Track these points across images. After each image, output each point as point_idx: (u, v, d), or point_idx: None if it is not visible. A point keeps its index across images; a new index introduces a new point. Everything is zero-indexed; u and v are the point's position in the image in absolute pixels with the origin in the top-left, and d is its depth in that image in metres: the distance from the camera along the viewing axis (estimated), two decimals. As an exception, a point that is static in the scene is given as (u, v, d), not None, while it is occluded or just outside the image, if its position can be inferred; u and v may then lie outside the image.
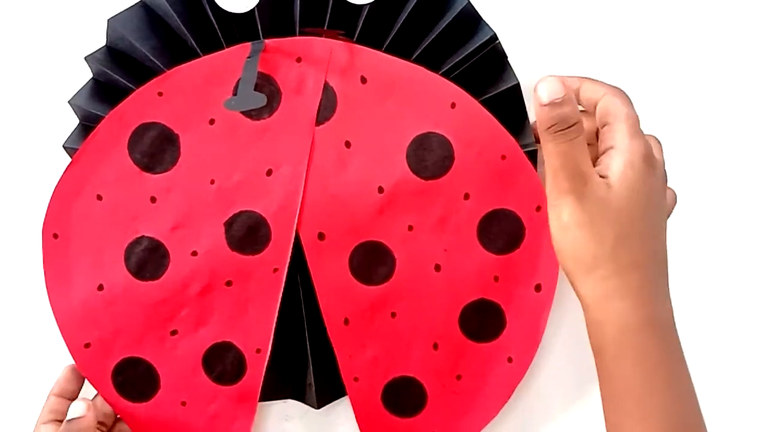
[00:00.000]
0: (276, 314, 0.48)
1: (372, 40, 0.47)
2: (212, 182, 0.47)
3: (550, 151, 0.42)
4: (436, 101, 0.46)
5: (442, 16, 0.46)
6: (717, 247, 0.54)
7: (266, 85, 0.47)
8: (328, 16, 0.46)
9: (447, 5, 0.46)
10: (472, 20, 0.46)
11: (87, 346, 0.48)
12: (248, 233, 0.48)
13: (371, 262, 0.48)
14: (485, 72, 0.47)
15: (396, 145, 0.47)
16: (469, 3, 0.46)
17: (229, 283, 0.48)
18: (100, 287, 0.48)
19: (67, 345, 0.49)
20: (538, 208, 0.47)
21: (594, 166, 0.43)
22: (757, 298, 0.55)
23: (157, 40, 0.47)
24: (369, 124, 0.47)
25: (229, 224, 0.48)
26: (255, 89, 0.46)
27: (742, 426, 0.55)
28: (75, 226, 0.48)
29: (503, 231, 0.47)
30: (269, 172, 0.47)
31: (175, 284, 0.48)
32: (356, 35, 0.46)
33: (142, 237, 0.48)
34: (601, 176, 0.43)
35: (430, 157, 0.47)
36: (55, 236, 0.48)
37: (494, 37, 0.46)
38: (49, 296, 0.50)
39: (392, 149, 0.47)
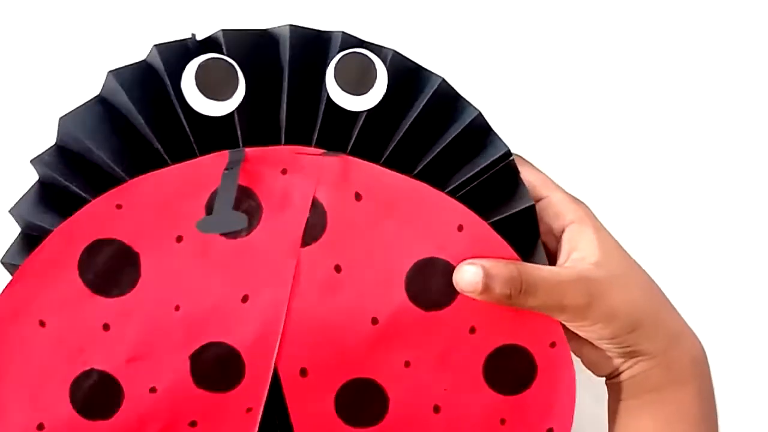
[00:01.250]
0: None
1: (368, 151, 0.43)
2: (177, 308, 0.40)
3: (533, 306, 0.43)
4: (441, 223, 0.41)
5: (449, 127, 0.41)
6: (717, 247, 0.54)
7: (245, 199, 0.40)
8: (319, 122, 0.39)
9: (454, 115, 0.41)
10: (483, 132, 0.41)
11: None
12: (218, 368, 0.41)
13: (361, 401, 0.42)
14: (496, 190, 0.40)
15: (394, 270, 0.41)
16: (480, 114, 0.40)
17: (193, 424, 0.41)
18: (40, 426, 0.42)
19: None
20: (553, 344, 0.41)
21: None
22: (757, 298, 0.54)
23: (117, 143, 0.41)
24: (363, 247, 0.41)
25: (195, 357, 0.41)
26: (234, 206, 0.39)
27: (742, 425, 0.54)
28: (11, 356, 0.42)
29: (512, 369, 0.42)
30: (245, 299, 0.40)
31: (129, 424, 0.42)
32: (350, 146, 0.39)
33: (92, 370, 0.41)
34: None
35: (432, 285, 0.41)
36: None
37: (508, 153, 0.40)
38: None
39: (389, 275, 0.41)
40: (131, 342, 0.43)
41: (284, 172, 0.42)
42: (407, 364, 0.43)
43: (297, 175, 0.42)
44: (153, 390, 0.43)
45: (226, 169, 0.41)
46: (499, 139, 0.42)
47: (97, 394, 0.43)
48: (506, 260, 0.41)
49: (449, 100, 0.42)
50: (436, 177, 0.42)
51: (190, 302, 0.43)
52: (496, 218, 0.42)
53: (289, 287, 0.42)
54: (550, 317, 0.43)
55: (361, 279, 0.42)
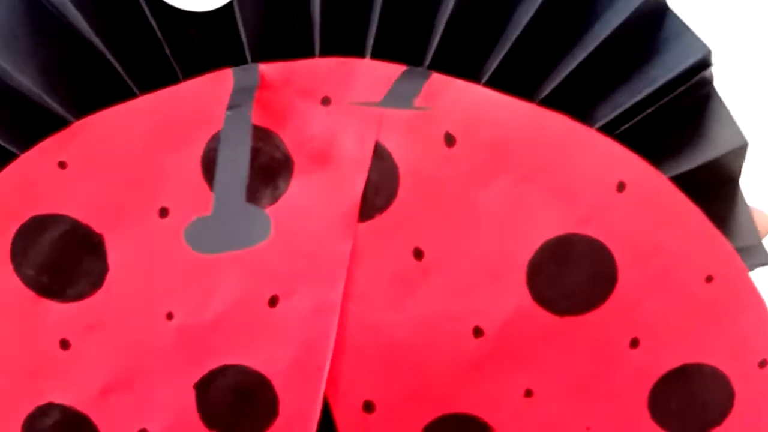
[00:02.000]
0: None
1: (461, 64, 0.27)
2: (170, 316, 0.25)
3: None
4: (588, 179, 0.24)
5: (598, 17, 0.21)
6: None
7: (264, 149, 0.22)
8: (375, 15, 0.21)
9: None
10: (659, 23, 0.21)
11: None
12: (237, 402, 0.27)
13: None
14: (685, 122, 0.22)
15: (509, 256, 0.24)
16: None
17: None
18: None
19: None
20: (764, 363, 0.23)
21: None
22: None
23: (49, 57, 0.26)
24: (458, 221, 0.24)
25: (202, 387, 0.26)
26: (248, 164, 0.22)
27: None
28: None
29: (695, 400, 0.27)
30: (273, 301, 0.24)
31: None
32: (430, 56, 0.21)
33: (51, 405, 0.28)
34: None
35: (571, 276, 0.25)
36: None
37: (707, 60, 0.21)
38: None
39: (501, 263, 0.24)
40: (105, 366, 0.28)
41: (326, 102, 0.24)
42: (529, 393, 0.27)
43: (347, 105, 0.24)
44: None
45: (231, 106, 0.23)
46: (691, 33, 0.23)
47: None
48: None
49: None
50: (578, 103, 0.23)
51: (188, 307, 0.27)
52: (680, 170, 0.24)
53: (343, 284, 0.25)
54: (762, 321, 0.25)
55: (456, 270, 0.26)
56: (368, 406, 0.29)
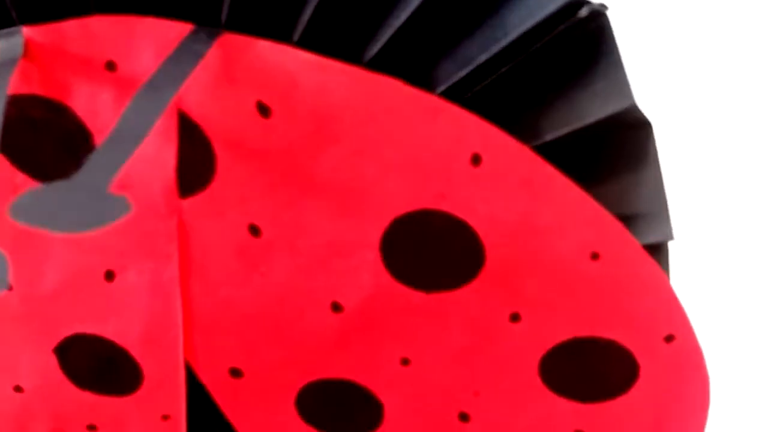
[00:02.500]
0: None
1: (267, 24, 0.22)
2: (11, 288, 0.22)
3: None
4: (438, 151, 0.20)
5: None
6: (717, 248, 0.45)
7: (55, 120, 0.19)
8: None
9: None
10: None
11: None
12: (100, 367, 0.25)
13: (340, 406, 0.25)
14: (553, 74, 0.17)
15: (357, 232, 0.21)
16: None
17: (92, 428, 0.25)
18: None
19: None
20: (670, 338, 0.21)
21: None
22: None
23: None
24: (290, 196, 0.20)
25: (61, 352, 0.25)
26: (36, 132, 0.18)
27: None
28: None
29: (593, 369, 0.26)
30: (109, 276, 0.21)
31: (8, 425, 0.26)
32: (225, 15, 0.17)
33: None
34: None
35: (432, 253, 0.21)
36: None
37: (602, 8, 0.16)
38: None
39: (350, 240, 0.22)
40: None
41: (111, 67, 0.20)
42: (406, 361, 0.24)
43: (137, 71, 0.19)
44: (18, 389, 0.27)
45: None
46: None
47: None
48: None
49: None
50: (419, 62, 0.18)
51: (25, 280, 0.24)
52: (550, 137, 0.19)
53: (176, 260, 0.22)
54: (665, 298, 0.21)
55: (298, 246, 0.22)
56: (235, 372, 0.27)
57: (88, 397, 0.29)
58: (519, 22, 0.20)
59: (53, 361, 0.29)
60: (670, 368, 0.25)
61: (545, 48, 0.20)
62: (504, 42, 0.20)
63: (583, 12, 0.20)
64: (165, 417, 0.29)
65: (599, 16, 0.20)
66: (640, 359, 0.25)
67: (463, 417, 0.28)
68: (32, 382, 0.29)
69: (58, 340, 0.28)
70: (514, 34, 0.20)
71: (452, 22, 0.20)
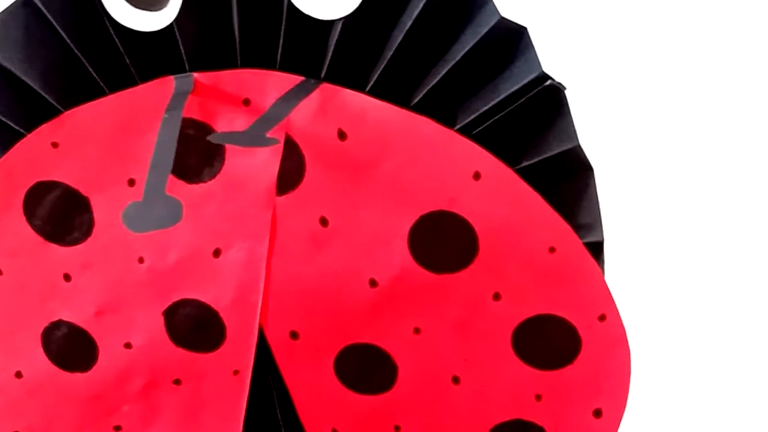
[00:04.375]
0: (241, 421, 0.36)
1: (350, 75, 0.34)
2: (141, 260, 0.34)
3: None
4: (451, 169, 0.32)
5: (458, 38, 0.28)
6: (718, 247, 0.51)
7: (202, 137, 0.30)
8: (282, 34, 0.28)
9: (466, 22, 0.28)
10: (508, 44, 0.28)
11: None
12: (196, 328, 0.36)
13: (364, 367, 0.37)
14: (528, 124, 0.29)
15: (393, 227, 0.32)
16: (503, 19, 0.27)
17: (177, 382, 0.36)
18: (18, 374, 0.39)
19: None
20: (602, 318, 0.31)
21: None
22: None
23: (47, 62, 0.35)
24: (353, 197, 0.32)
25: (169, 314, 0.35)
26: (187, 144, 0.30)
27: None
28: None
29: (550, 342, 0.34)
30: (217, 253, 0.33)
31: (110, 378, 0.40)
32: (325, 67, 0.29)
33: (61, 321, 0.37)
34: None
35: (442, 244, 0.33)
36: None
37: (542, 76, 0.28)
38: None
39: (388, 231, 0.33)
40: (97, 294, 0.38)
41: (246, 103, 0.32)
42: (417, 330, 0.35)
43: (263, 107, 0.32)
44: (128, 345, 0.37)
45: (168, 108, 0.31)
46: (533, 53, 0.29)
47: (70, 345, 0.40)
48: None
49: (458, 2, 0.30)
50: (444, 109, 0.31)
51: (155, 254, 0.36)
52: (527, 163, 0.31)
53: (267, 242, 0.34)
54: (599, 285, 0.32)
55: (353, 235, 0.34)
56: (294, 335, 0.38)
57: (180, 353, 0.40)
58: (509, 87, 0.33)
59: (161, 321, 0.40)
60: (602, 343, 0.37)
61: (520, 107, 0.33)
62: (496, 100, 0.33)
63: (548, 83, 0.33)
64: (235, 372, 0.40)
65: (558, 90, 0.33)
66: (582, 334, 0.37)
67: (455, 380, 0.39)
68: (140, 340, 0.40)
69: (168, 304, 0.39)
70: (503, 96, 0.33)
71: (467, 85, 0.33)
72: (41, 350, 0.41)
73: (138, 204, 0.35)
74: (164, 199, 0.34)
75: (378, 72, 0.33)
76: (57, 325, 0.41)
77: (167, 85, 0.35)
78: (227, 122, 0.35)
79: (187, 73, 0.35)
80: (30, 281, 0.40)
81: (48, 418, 0.43)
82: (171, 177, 0.37)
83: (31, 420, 0.43)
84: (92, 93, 0.36)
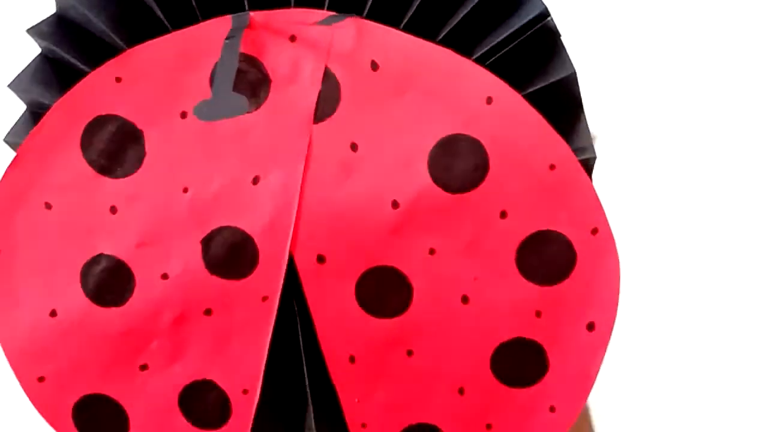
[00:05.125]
0: (266, 349, 0.42)
1: (386, 15, 0.40)
2: (185, 190, 0.38)
3: None
4: (468, 95, 0.37)
5: None
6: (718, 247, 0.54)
7: (251, 70, 0.37)
8: None
9: None
10: None
11: (41, 380, 0.46)
12: (231, 254, 0.39)
13: (383, 290, 0.40)
14: (532, 58, 0.36)
15: (415, 149, 0.37)
16: None
17: (208, 312, 0.39)
18: (53, 313, 0.40)
19: (18, 379, 0.45)
20: (594, 231, 0.37)
21: None
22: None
23: (116, 10, 0.37)
24: (381, 123, 0.37)
25: (206, 242, 0.38)
26: (237, 78, 0.35)
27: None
28: (20, 240, 0.41)
29: (549, 257, 0.39)
30: (255, 180, 0.37)
31: (143, 312, 0.41)
32: (367, 8, 0.35)
33: (101, 255, 0.40)
34: None
35: (458, 165, 0.38)
36: None
37: (545, 13, 0.34)
38: None
39: (410, 155, 0.37)
40: (140, 226, 0.41)
41: (293, 39, 0.38)
42: (432, 251, 0.39)
43: (307, 42, 0.38)
44: (165, 276, 0.41)
45: (228, 37, 0.36)
46: None
47: (107, 279, 0.43)
48: None
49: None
50: (463, 43, 0.39)
51: (199, 184, 0.40)
52: (531, 89, 0.37)
53: (302, 168, 0.39)
54: (592, 199, 0.38)
55: (380, 158, 0.39)
56: (321, 259, 0.43)
57: (214, 281, 0.44)
58: (516, 23, 0.40)
59: (198, 250, 0.44)
60: (594, 255, 0.42)
61: (529, 38, 0.40)
62: (505, 34, 0.40)
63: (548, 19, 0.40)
64: (264, 298, 0.44)
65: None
66: (577, 248, 0.42)
67: (465, 299, 0.43)
68: (176, 270, 0.44)
69: (207, 232, 0.44)
70: (511, 30, 0.40)
71: (485, 23, 0.40)
72: (79, 287, 0.45)
73: (208, 101, 0.40)
74: (231, 96, 0.39)
75: (409, 13, 0.40)
76: (97, 259, 0.44)
77: (225, 23, 0.41)
78: (274, 57, 0.42)
79: (244, 12, 0.41)
80: (77, 215, 0.44)
81: (75, 362, 0.45)
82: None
83: (59, 364, 0.46)
84: (155, 32, 0.41)
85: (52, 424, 0.47)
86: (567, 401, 0.44)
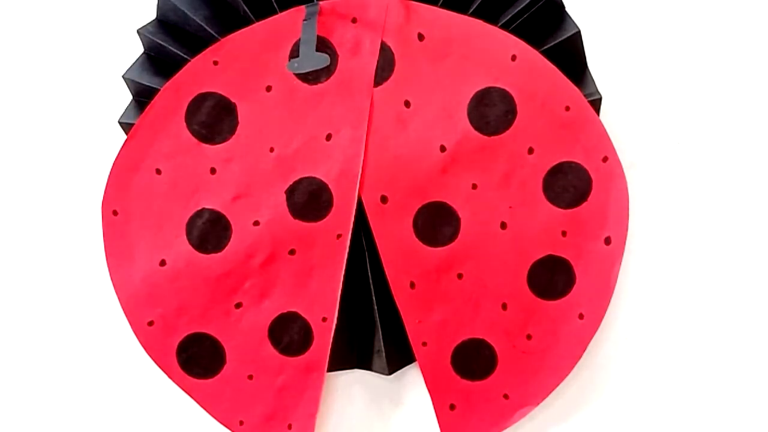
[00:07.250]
0: (341, 281, 0.50)
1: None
2: (271, 150, 0.48)
3: None
4: (496, 54, 0.47)
5: None
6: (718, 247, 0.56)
7: (323, 48, 0.47)
8: None
9: None
10: None
11: (150, 324, 0.50)
12: (310, 200, 0.48)
13: (435, 223, 0.48)
14: (544, 22, 0.47)
15: (456, 102, 0.47)
16: None
17: (292, 252, 0.48)
18: (162, 263, 0.49)
19: (130, 324, 0.55)
20: (605, 159, 0.47)
21: None
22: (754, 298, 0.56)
23: (209, 10, 0.49)
24: (428, 83, 0.48)
25: (290, 192, 0.48)
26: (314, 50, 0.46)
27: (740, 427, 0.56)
28: (134, 202, 0.50)
29: (570, 184, 0.48)
30: (329, 137, 0.47)
31: (238, 256, 0.49)
32: None
33: (203, 209, 0.49)
34: None
35: (491, 112, 0.47)
36: (115, 213, 0.50)
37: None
38: (110, 274, 0.55)
39: (453, 107, 0.47)
40: (235, 182, 0.51)
41: (354, 21, 0.49)
42: (474, 186, 0.49)
43: (366, 22, 0.49)
44: (256, 223, 0.50)
45: (305, 20, 0.47)
46: None
47: (209, 230, 0.52)
48: None
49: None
50: (489, 14, 0.48)
51: (282, 143, 0.50)
52: (545, 47, 0.47)
53: (366, 124, 0.49)
54: (601, 133, 0.48)
55: (428, 112, 0.49)
56: (383, 199, 0.53)
57: (297, 225, 0.54)
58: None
59: (283, 198, 0.54)
60: (607, 179, 0.53)
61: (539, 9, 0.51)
62: (522, 4, 0.51)
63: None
64: (338, 236, 0.54)
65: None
66: (592, 175, 0.53)
67: (503, 225, 0.54)
68: (266, 217, 0.54)
69: (290, 183, 0.54)
70: (527, 2, 0.51)
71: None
72: (185, 238, 0.55)
73: (297, 59, 0.51)
74: (315, 54, 0.50)
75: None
76: (200, 213, 0.54)
77: (300, 12, 0.52)
78: (340, 36, 0.53)
79: (314, 2, 0.52)
80: (182, 178, 0.54)
81: (180, 306, 0.55)
82: (297, 81, 0.53)
83: (166, 308, 0.55)
84: (242, 25, 0.53)
85: (158, 362, 0.55)
86: (593, 308, 0.54)
